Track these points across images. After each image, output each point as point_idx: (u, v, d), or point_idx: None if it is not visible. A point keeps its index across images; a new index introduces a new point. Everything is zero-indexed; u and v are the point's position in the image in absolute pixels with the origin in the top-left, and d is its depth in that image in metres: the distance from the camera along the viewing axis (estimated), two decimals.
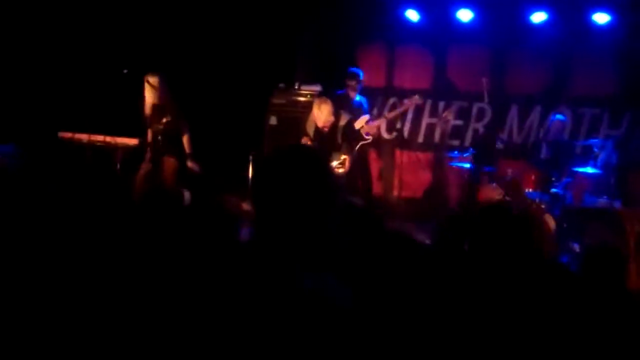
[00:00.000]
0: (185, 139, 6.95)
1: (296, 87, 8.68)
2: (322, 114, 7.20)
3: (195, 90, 7.90)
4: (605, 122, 8.46)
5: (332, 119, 7.20)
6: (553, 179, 7.26)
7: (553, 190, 7.23)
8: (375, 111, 9.09)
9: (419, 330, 2.15)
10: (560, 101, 8.52)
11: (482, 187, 7.43)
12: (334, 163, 7.30)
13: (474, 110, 8.93)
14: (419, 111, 9.13)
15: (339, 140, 7.33)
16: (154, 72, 6.85)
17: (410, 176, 9.11)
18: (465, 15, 8.70)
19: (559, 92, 8.61)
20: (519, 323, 2.21)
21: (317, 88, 8.47)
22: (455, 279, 2.40)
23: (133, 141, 6.98)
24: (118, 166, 6.96)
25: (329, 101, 7.26)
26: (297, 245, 1.70)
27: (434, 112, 9.09)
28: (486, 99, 8.10)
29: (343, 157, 7.33)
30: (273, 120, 8.42)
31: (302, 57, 9.20)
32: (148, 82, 6.77)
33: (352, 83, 7.95)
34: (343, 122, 7.45)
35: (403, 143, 9.07)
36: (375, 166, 9.21)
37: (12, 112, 7.80)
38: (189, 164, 6.96)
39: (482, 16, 8.69)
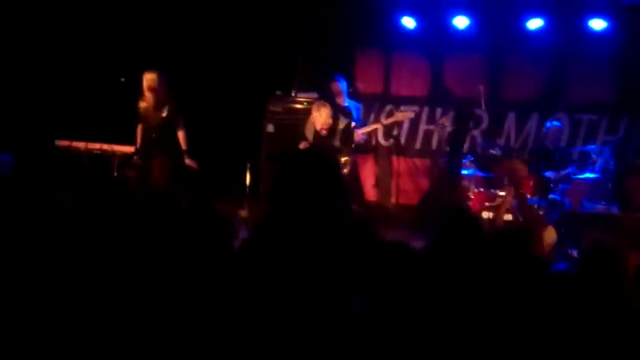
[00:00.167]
0: (181, 136, 6.92)
1: (293, 94, 8.69)
2: (321, 117, 7.21)
3: (192, 96, 7.89)
4: (603, 128, 8.47)
5: (330, 122, 7.22)
6: (551, 185, 7.27)
7: (551, 196, 7.23)
8: (372, 118, 9.10)
9: (420, 336, 2.14)
10: (558, 107, 8.53)
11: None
12: None
13: None
14: (416, 118, 9.13)
15: (337, 143, 7.33)
16: (152, 69, 6.83)
17: (407, 183, 9.10)
18: (461, 22, 8.71)
19: (556, 99, 8.62)
20: (511, 327, 2.21)
21: (314, 96, 8.48)
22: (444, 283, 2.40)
23: (130, 149, 6.97)
24: (115, 174, 6.95)
25: (328, 105, 7.27)
26: (309, 247, 1.70)
27: (431, 119, 9.10)
28: (483, 106, 8.11)
29: (344, 159, 7.34)
30: (270, 128, 8.41)
31: (299, 65, 9.21)
32: (146, 77, 6.75)
33: (334, 89, 7.99)
34: (342, 125, 7.46)
35: (400, 150, 9.07)
36: (371, 173, 9.21)
37: (10, 121, 7.79)
38: (187, 161, 6.93)
39: (478, 23, 8.71)
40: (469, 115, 8.73)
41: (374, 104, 9.20)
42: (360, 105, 8.59)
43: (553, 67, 8.65)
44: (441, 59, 9.13)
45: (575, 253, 6.64)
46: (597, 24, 8.24)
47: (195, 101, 8.19)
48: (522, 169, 7.17)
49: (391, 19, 8.93)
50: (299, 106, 8.51)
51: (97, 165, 6.99)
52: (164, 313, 1.98)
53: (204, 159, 7.82)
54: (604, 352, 2.29)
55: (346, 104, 8.05)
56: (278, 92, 8.65)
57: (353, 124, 7.80)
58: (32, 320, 2.10)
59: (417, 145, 9.21)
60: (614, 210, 7.34)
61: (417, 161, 9.19)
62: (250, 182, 8.26)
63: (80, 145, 6.95)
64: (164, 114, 6.79)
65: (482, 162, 7.83)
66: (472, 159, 7.77)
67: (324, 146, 7.29)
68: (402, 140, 9.11)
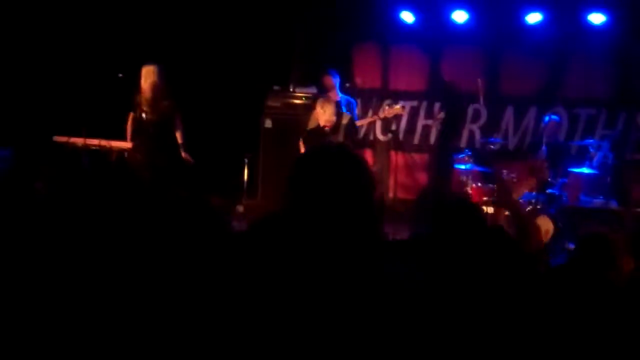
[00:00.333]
0: (178, 131, 6.91)
1: (291, 89, 8.68)
2: (325, 114, 7.21)
3: (189, 92, 7.88)
4: (601, 122, 8.47)
5: (334, 119, 7.22)
6: (549, 179, 7.27)
7: (549, 190, 7.23)
8: (370, 112, 9.09)
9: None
10: (556, 102, 8.53)
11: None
12: None
13: (470, 111, 8.92)
14: (414, 113, 9.13)
15: (342, 139, 7.34)
16: (151, 63, 6.81)
17: (405, 177, 9.11)
18: (460, 16, 8.71)
19: (555, 93, 8.62)
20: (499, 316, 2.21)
21: (312, 90, 8.47)
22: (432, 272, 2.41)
23: (128, 144, 6.96)
24: (113, 169, 6.94)
25: (332, 102, 7.27)
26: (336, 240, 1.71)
27: (429, 114, 9.09)
28: (481, 100, 8.11)
29: None
30: (268, 123, 8.41)
31: (297, 60, 9.20)
32: (145, 71, 6.73)
33: (327, 83, 8.01)
34: (345, 120, 7.48)
35: (398, 144, 9.07)
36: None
37: (7, 117, 7.79)
38: (183, 154, 6.93)
39: (477, 17, 8.70)
40: (462, 110, 8.74)
41: (372, 99, 9.19)
42: (356, 101, 8.58)
43: (552, 61, 8.64)
44: (440, 54, 9.12)
45: (572, 247, 6.64)
46: (596, 18, 8.23)
47: (193, 96, 8.18)
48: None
49: (390, 13, 8.92)
50: (297, 101, 8.50)
51: (94, 161, 6.98)
52: (164, 307, 1.99)
53: (201, 154, 7.82)
54: (596, 342, 2.30)
55: (339, 99, 8.03)
56: (276, 87, 8.64)
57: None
58: (35, 314, 2.10)
59: (416, 140, 9.21)
60: (612, 204, 7.35)
61: (416, 156, 9.18)
62: (248, 177, 8.26)
63: (78, 141, 6.93)
64: (162, 110, 6.78)
65: (480, 157, 7.83)
66: (469, 153, 7.76)
67: (323, 141, 7.29)
68: (401, 135, 9.10)
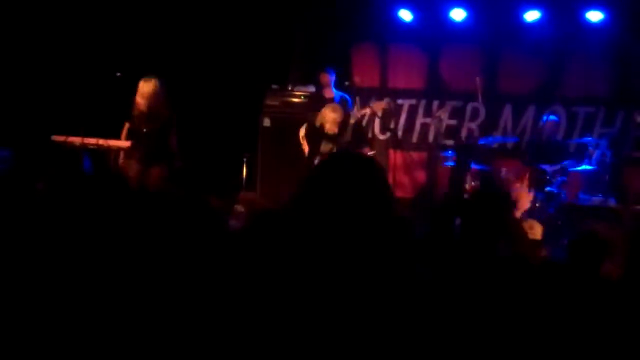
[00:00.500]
0: (171, 142, 6.88)
1: (289, 88, 8.68)
2: (330, 119, 7.24)
3: (188, 91, 7.89)
4: (599, 120, 8.47)
5: (335, 130, 7.26)
6: (547, 178, 7.27)
7: (548, 188, 7.23)
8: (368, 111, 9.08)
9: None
10: (554, 100, 8.53)
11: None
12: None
13: (468, 109, 8.92)
14: (413, 111, 9.13)
15: (349, 138, 7.38)
16: (150, 76, 6.78)
17: (403, 176, 9.10)
18: (458, 14, 8.71)
19: (553, 91, 8.62)
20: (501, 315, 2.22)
21: (311, 89, 8.47)
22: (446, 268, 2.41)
23: (126, 144, 6.96)
24: (112, 169, 6.93)
25: (341, 111, 7.30)
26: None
27: (427, 112, 9.09)
28: (480, 99, 8.11)
29: (370, 153, 7.44)
30: (266, 122, 8.42)
31: (296, 58, 9.20)
32: (142, 85, 6.71)
33: (323, 80, 8.04)
34: (353, 120, 7.54)
35: (397, 143, 9.06)
36: None
37: (5, 116, 7.78)
38: (175, 163, 6.91)
39: (475, 15, 8.70)
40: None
41: (371, 98, 9.18)
42: (351, 98, 8.59)
43: (550, 59, 8.64)
44: (438, 52, 9.12)
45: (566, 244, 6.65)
46: (594, 16, 8.24)
47: (191, 96, 8.19)
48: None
49: (388, 11, 8.91)
50: (295, 100, 8.51)
51: (93, 160, 6.97)
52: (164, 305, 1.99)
53: (201, 154, 7.83)
54: (589, 338, 2.30)
55: (333, 95, 8.04)
56: (274, 86, 8.64)
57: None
58: (33, 316, 2.10)
59: (414, 139, 9.21)
60: (611, 202, 7.36)
61: (414, 154, 9.18)
62: (247, 176, 8.26)
63: (76, 140, 6.92)
64: (159, 122, 6.74)
65: (479, 155, 7.83)
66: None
67: (332, 141, 7.31)
68: (399, 133, 9.10)
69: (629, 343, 2.21)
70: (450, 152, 8.14)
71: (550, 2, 8.44)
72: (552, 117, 7.89)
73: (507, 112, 8.82)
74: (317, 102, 8.03)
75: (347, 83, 8.50)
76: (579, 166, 7.49)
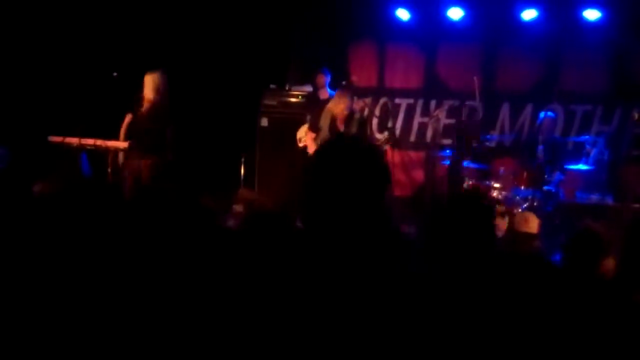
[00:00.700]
0: (168, 135, 6.89)
1: (287, 88, 8.68)
2: (339, 105, 7.30)
3: (186, 91, 7.88)
4: (597, 118, 8.47)
5: (346, 113, 7.32)
6: (545, 176, 7.27)
7: (546, 187, 7.23)
8: (365, 113, 9.07)
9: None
10: (552, 98, 8.52)
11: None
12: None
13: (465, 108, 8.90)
14: (410, 110, 9.13)
15: (354, 130, 7.42)
16: (154, 70, 6.79)
17: (401, 175, 9.10)
18: (455, 13, 8.70)
19: (551, 89, 8.59)
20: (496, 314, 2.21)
21: (308, 89, 8.47)
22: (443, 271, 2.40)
23: (123, 144, 6.95)
24: (109, 169, 6.93)
25: (346, 96, 7.34)
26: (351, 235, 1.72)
27: (425, 111, 9.08)
28: (478, 98, 8.10)
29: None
30: (264, 122, 8.43)
31: (293, 58, 9.20)
32: (149, 79, 6.72)
33: (318, 81, 8.07)
34: (357, 115, 7.60)
35: (394, 142, 9.05)
36: None
37: (2, 117, 7.77)
38: (168, 155, 6.92)
39: (472, 14, 8.70)
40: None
41: (368, 97, 9.18)
42: None
43: (547, 57, 8.64)
44: (435, 51, 9.11)
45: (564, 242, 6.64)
46: (591, 14, 8.23)
47: (189, 95, 8.18)
48: None
49: (385, 11, 8.91)
50: (293, 100, 8.51)
51: (91, 161, 6.98)
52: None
53: (199, 153, 7.82)
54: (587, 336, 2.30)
55: (328, 96, 8.06)
56: (272, 86, 8.64)
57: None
58: (31, 316, 2.10)
59: (412, 138, 9.20)
60: (609, 201, 7.35)
61: (412, 153, 9.18)
62: (245, 176, 8.26)
63: (74, 140, 6.92)
64: (160, 119, 6.75)
65: (476, 154, 7.82)
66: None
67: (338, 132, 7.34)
68: (397, 132, 9.10)
69: (621, 340, 2.21)
70: (448, 151, 8.13)
71: (548, 0, 8.43)
72: (549, 113, 7.89)
73: (504, 111, 8.82)
74: (313, 103, 8.06)
75: (344, 82, 8.49)
76: (577, 164, 7.49)
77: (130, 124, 6.85)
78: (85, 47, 8.36)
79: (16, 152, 6.81)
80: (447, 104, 8.75)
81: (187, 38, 8.66)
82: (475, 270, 2.34)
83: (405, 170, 9.17)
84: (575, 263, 2.89)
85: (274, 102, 8.48)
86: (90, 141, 6.93)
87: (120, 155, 6.84)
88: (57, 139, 6.97)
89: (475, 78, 8.05)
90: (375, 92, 9.25)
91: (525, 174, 7.26)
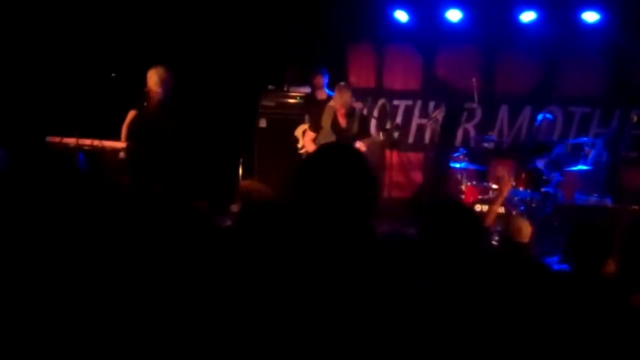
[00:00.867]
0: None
1: (285, 89, 8.67)
2: (341, 99, 7.30)
3: (184, 92, 7.86)
4: (595, 120, 8.48)
5: (349, 103, 7.34)
6: (544, 177, 7.27)
7: (544, 189, 7.22)
8: (364, 112, 9.08)
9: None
10: (550, 100, 8.53)
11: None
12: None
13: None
14: (409, 112, 9.13)
15: (356, 129, 7.42)
16: (159, 65, 6.79)
17: (400, 176, 9.10)
18: (454, 15, 8.70)
19: (549, 91, 8.63)
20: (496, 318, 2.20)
21: (306, 90, 8.47)
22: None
23: (122, 144, 6.94)
24: (107, 169, 6.92)
25: (346, 91, 7.33)
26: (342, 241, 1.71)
27: (424, 113, 9.08)
28: (476, 99, 8.11)
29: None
30: (263, 123, 8.42)
31: (292, 59, 9.19)
32: (154, 73, 6.72)
33: (316, 83, 8.08)
34: (359, 111, 7.61)
35: (393, 143, 9.05)
36: None
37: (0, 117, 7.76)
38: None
39: (471, 16, 8.70)
40: (460, 109, 8.74)
41: (366, 98, 9.18)
42: None
43: (546, 59, 8.65)
44: (434, 53, 9.11)
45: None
46: (590, 17, 8.24)
47: (187, 97, 8.16)
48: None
49: (384, 12, 8.91)
50: (291, 101, 8.51)
51: (88, 161, 6.96)
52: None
53: (197, 155, 7.80)
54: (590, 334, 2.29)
55: (326, 97, 8.06)
56: (270, 87, 8.63)
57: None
58: (30, 315, 2.09)
59: (410, 139, 9.20)
60: (607, 202, 7.35)
61: (410, 155, 9.18)
62: (243, 177, 8.25)
63: (71, 141, 6.91)
64: (164, 113, 6.74)
65: (474, 156, 7.83)
66: (464, 152, 7.76)
67: (344, 135, 7.32)
68: (395, 134, 9.09)
69: (620, 339, 2.21)
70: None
71: (546, 2, 8.44)
72: (547, 115, 7.89)
73: (503, 113, 8.82)
74: (311, 103, 8.06)
75: (342, 83, 8.49)
76: (575, 166, 7.49)
77: (134, 120, 6.84)
78: (83, 48, 8.35)
79: (14, 151, 6.79)
80: (445, 105, 8.74)
81: (186, 39, 8.65)
82: (463, 275, 2.33)
83: (404, 171, 9.16)
84: (580, 262, 2.87)
85: (272, 103, 8.48)
86: (87, 141, 6.92)
87: (120, 155, 6.83)
88: (55, 139, 6.96)
89: (473, 80, 8.06)
90: (374, 94, 9.24)
91: (523, 175, 7.26)
